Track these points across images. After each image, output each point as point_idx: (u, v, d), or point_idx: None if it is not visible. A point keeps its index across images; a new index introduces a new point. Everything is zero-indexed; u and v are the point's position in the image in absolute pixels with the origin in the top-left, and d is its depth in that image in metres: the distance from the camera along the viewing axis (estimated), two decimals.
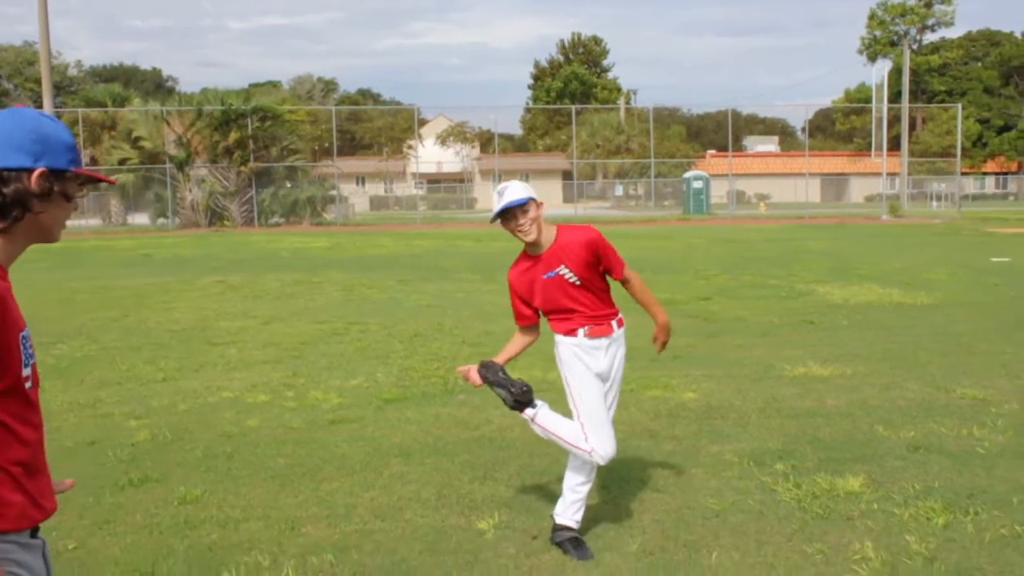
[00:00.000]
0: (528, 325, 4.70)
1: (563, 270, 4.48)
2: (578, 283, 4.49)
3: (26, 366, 2.11)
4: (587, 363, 4.51)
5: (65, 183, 2.12)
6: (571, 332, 4.51)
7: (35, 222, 2.10)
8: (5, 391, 2.05)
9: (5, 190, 2.03)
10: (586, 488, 4.68)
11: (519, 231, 4.44)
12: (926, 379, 8.25)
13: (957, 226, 36.96)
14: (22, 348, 2.08)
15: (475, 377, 4.61)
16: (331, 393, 8.01)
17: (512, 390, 4.52)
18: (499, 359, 4.68)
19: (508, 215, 4.44)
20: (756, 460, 5.96)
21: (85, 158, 44.76)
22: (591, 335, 4.52)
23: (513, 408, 4.60)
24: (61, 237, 2.22)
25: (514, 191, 4.44)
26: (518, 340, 4.78)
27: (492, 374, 4.58)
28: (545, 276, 4.49)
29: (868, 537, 4.67)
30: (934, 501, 5.13)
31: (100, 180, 2.25)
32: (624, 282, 4.66)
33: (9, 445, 2.07)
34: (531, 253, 4.56)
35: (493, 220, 4.54)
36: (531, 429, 4.73)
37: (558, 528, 4.65)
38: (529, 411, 4.58)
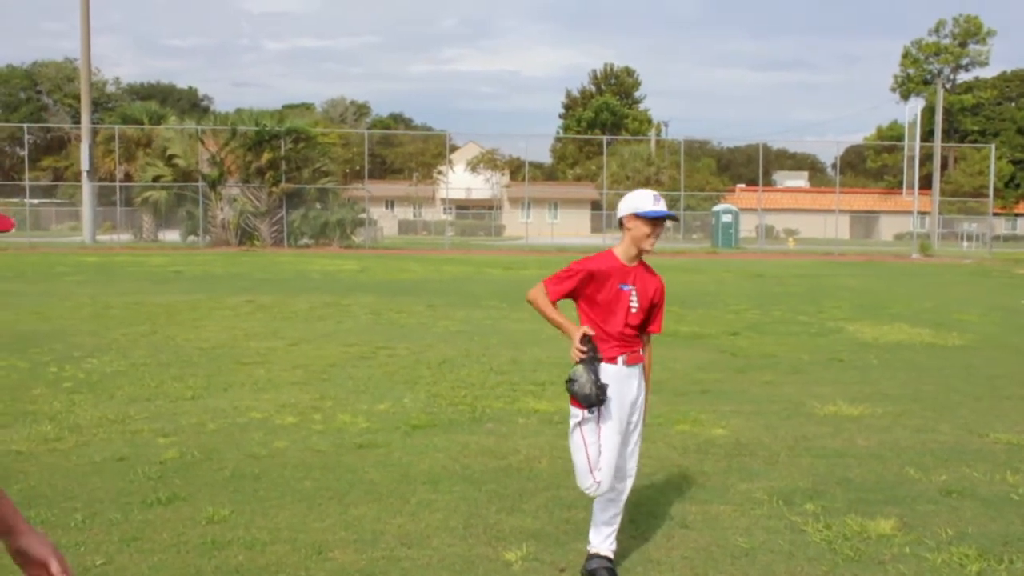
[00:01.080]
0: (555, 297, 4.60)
1: (632, 291, 4.57)
2: (635, 311, 4.57)
3: None
4: (622, 392, 4.52)
5: None
6: (611, 360, 4.52)
7: None
8: None
9: None
10: (619, 519, 4.72)
11: (654, 239, 4.59)
12: (958, 422, 8.16)
13: (988, 267, 36.67)
14: None
15: (575, 353, 4.46)
16: (359, 417, 8.01)
17: (598, 384, 4.41)
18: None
19: (660, 222, 4.57)
20: (786, 499, 5.90)
21: (120, 174, 45.48)
22: (629, 362, 4.58)
23: (582, 399, 4.40)
24: None
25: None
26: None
27: (593, 358, 4.45)
28: (620, 287, 4.56)
29: None
30: (967, 547, 5.06)
31: None
32: (649, 339, 4.79)
33: None
34: (622, 259, 4.63)
35: (646, 216, 4.54)
36: (569, 435, 4.61)
37: (594, 556, 4.67)
38: (588, 413, 4.47)
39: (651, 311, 4.67)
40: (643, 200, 4.59)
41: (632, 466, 4.74)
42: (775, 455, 6.99)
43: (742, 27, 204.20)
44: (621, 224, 4.63)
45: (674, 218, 5.02)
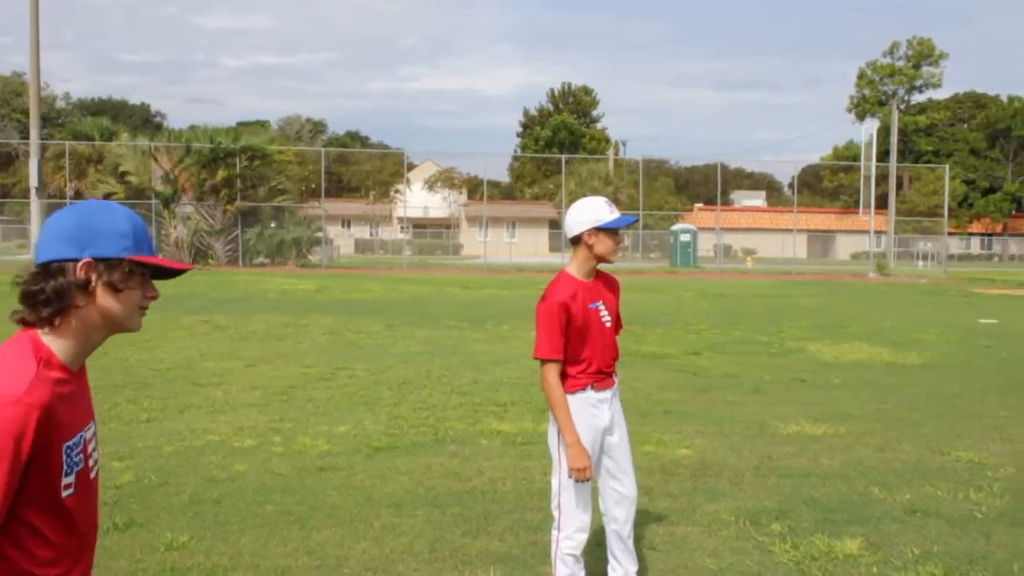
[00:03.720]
0: (558, 360, 4.23)
1: (601, 306, 4.30)
2: (608, 324, 4.33)
3: (67, 474, 2.00)
4: (590, 423, 4.27)
5: (113, 272, 2.04)
6: (579, 387, 4.27)
7: (84, 316, 2.04)
8: (33, 496, 1.95)
9: (46, 285, 1.99)
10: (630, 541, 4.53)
11: (617, 249, 4.28)
12: (920, 441, 8.20)
13: (944, 286, 37.15)
14: (64, 457, 1.99)
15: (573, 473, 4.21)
16: (319, 439, 7.88)
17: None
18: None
19: (619, 230, 4.26)
20: (752, 520, 5.88)
21: (70, 191, 44.84)
22: (599, 388, 4.33)
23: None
24: (141, 325, 2.15)
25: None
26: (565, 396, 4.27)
27: None
28: (589, 306, 4.26)
29: None
30: (934, 566, 5.06)
31: (168, 267, 2.16)
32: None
33: (32, 548, 1.97)
34: (580, 278, 4.29)
35: (607, 226, 4.20)
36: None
37: None
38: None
39: (613, 315, 4.42)
40: (599, 210, 4.22)
41: (632, 473, 4.52)
42: (740, 475, 6.97)
43: (702, 47, 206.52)
44: (576, 241, 4.26)
45: (635, 221, 4.76)
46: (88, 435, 2.12)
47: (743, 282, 37.90)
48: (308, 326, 16.85)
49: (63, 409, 1.98)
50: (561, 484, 4.26)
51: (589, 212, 4.24)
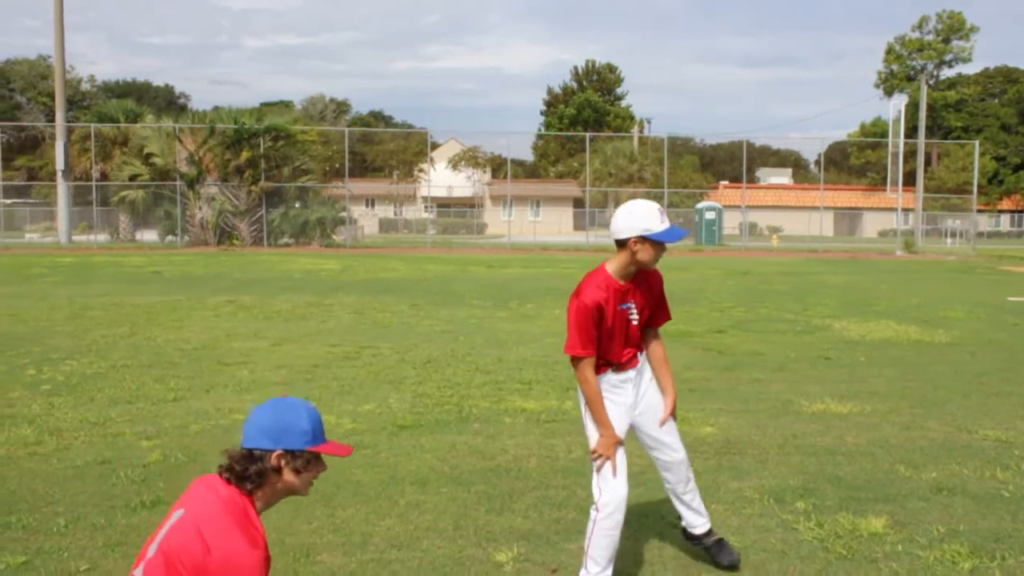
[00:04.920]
0: (592, 356, 4.26)
1: (632, 307, 4.30)
2: (635, 323, 4.34)
3: None
4: (614, 399, 4.36)
5: (297, 460, 2.83)
6: (600, 372, 4.33)
7: (276, 488, 2.84)
8: None
9: (251, 467, 2.78)
10: (694, 494, 4.79)
11: (659, 257, 4.25)
12: (947, 419, 8.15)
13: (972, 264, 36.84)
14: None
15: (602, 459, 4.33)
16: (344, 418, 7.93)
17: None
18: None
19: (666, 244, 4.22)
20: (777, 498, 5.86)
21: (96, 173, 45.05)
22: (619, 371, 4.38)
23: None
24: (309, 490, 2.96)
25: None
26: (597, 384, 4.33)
27: None
28: (620, 307, 4.26)
29: None
30: (959, 544, 5.03)
31: (333, 453, 2.94)
32: (657, 332, 4.61)
33: None
34: (617, 279, 4.25)
35: (656, 238, 4.14)
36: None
37: (701, 536, 4.79)
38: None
39: (653, 308, 4.46)
40: (651, 219, 4.11)
41: (671, 441, 4.61)
42: (765, 453, 6.95)
43: (727, 23, 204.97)
44: (622, 243, 4.16)
45: (686, 235, 4.55)
46: None
47: (769, 260, 37.73)
48: (333, 305, 16.91)
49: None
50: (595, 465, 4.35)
51: (640, 218, 4.13)
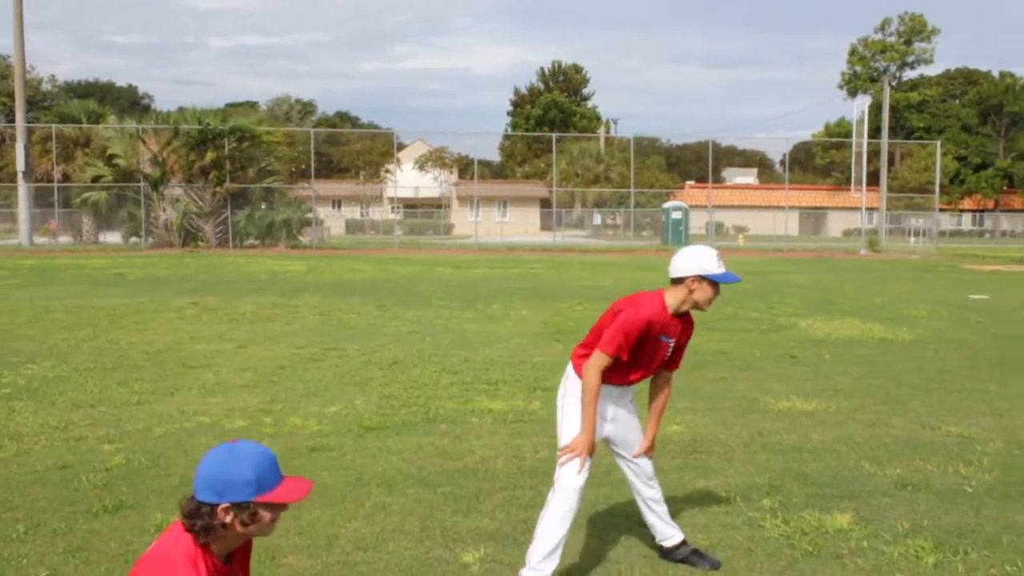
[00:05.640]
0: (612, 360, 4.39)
1: (671, 343, 4.51)
2: (667, 358, 4.56)
3: None
4: (609, 408, 4.55)
5: (243, 512, 2.72)
6: (619, 382, 4.52)
7: (227, 535, 2.76)
8: None
9: (198, 521, 2.71)
10: (662, 506, 4.86)
11: (712, 302, 4.45)
12: (911, 416, 8.21)
13: (935, 262, 37.22)
14: None
15: (577, 459, 4.40)
16: (310, 420, 7.87)
17: None
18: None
19: (718, 284, 4.45)
20: (743, 495, 5.88)
21: (57, 174, 44.53)
22: (615, 385, 4.55)
23: None
24: (272, 530, 2.83)
25: None
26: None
27: None
28: (661, 338, 4.45)
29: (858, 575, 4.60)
30: (923, 540, 5.07)
31: (281, 501, 2.78)
32: (669, 377, 4.76)
33: None
34: (671, 313, 4.47)
35: (713, 278, 4.41)
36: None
37: (673, 549, 4.83)
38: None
39: (676, 352, 4.63)
40: (709, 261, 4.40)
41: (642, 462, 4.77)
42: (731, 451, 6.97)
43: (693, 24, 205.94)
44: (678, 281, 4.43)
45: (739, 281, 4.78)
46: None
47: (735, 260, 37.90)
48: (299, 307, 16.82)
49: None
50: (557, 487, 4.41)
51: (699, 260, 4.42)
